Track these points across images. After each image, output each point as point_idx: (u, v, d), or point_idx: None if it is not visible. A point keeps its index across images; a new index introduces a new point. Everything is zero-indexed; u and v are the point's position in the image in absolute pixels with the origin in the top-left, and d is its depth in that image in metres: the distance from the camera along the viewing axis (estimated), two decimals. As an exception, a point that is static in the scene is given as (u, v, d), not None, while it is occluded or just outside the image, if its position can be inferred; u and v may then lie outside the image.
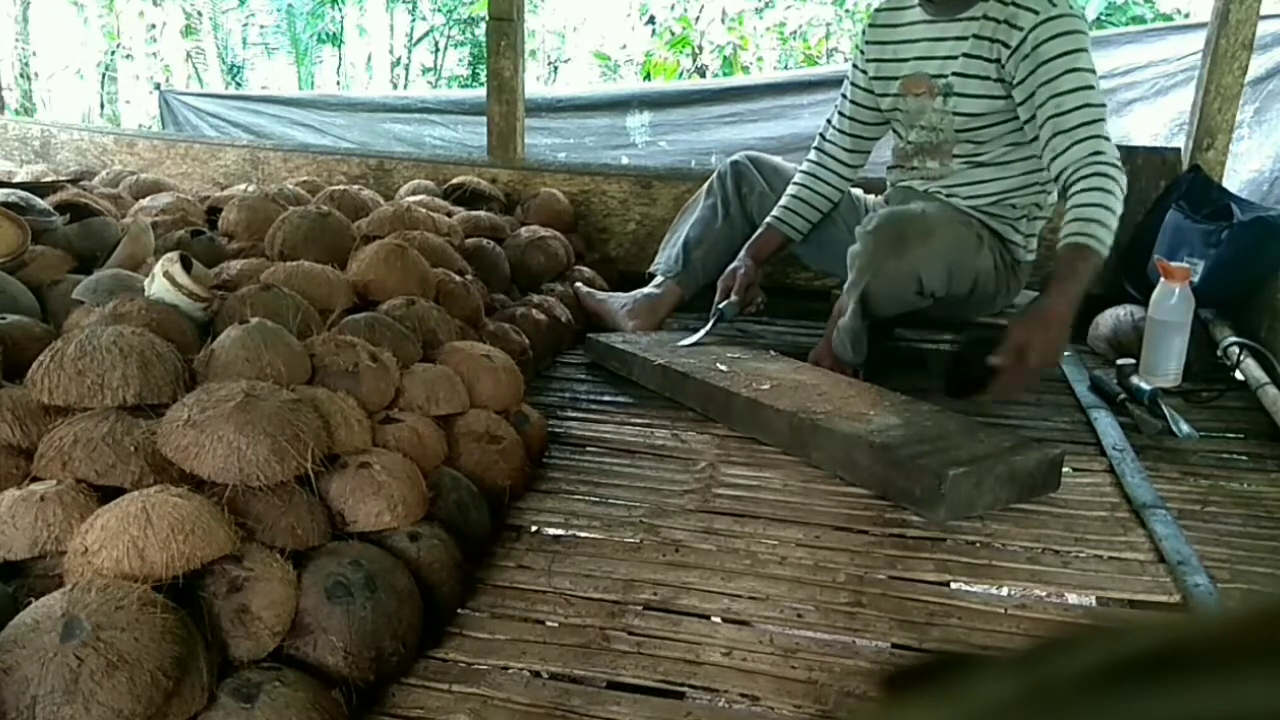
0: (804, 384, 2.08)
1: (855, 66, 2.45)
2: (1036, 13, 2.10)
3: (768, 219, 2.52)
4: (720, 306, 2.43)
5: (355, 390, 1.54)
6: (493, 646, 1.34)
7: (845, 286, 2.22)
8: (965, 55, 2.20)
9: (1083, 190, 2.03)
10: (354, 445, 1.44)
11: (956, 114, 2.25)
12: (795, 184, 2.52)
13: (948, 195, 2.31)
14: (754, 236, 2.51)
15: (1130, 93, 3.74)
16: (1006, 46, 2.13)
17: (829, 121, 2.52)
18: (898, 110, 2.38)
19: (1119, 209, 2.04)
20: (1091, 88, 2.10)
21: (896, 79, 2.34)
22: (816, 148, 2.53)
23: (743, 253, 2.49)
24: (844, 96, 2.48)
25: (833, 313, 2.37)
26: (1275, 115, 3.38)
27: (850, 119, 2.47)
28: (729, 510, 1.71)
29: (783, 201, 2.51)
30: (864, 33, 2.45)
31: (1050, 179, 2.19)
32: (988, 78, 2.18)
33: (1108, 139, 2.08)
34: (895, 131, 2.44)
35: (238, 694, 1.09)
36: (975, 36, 2.18)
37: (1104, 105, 2.11)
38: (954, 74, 2.22)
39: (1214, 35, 2.63)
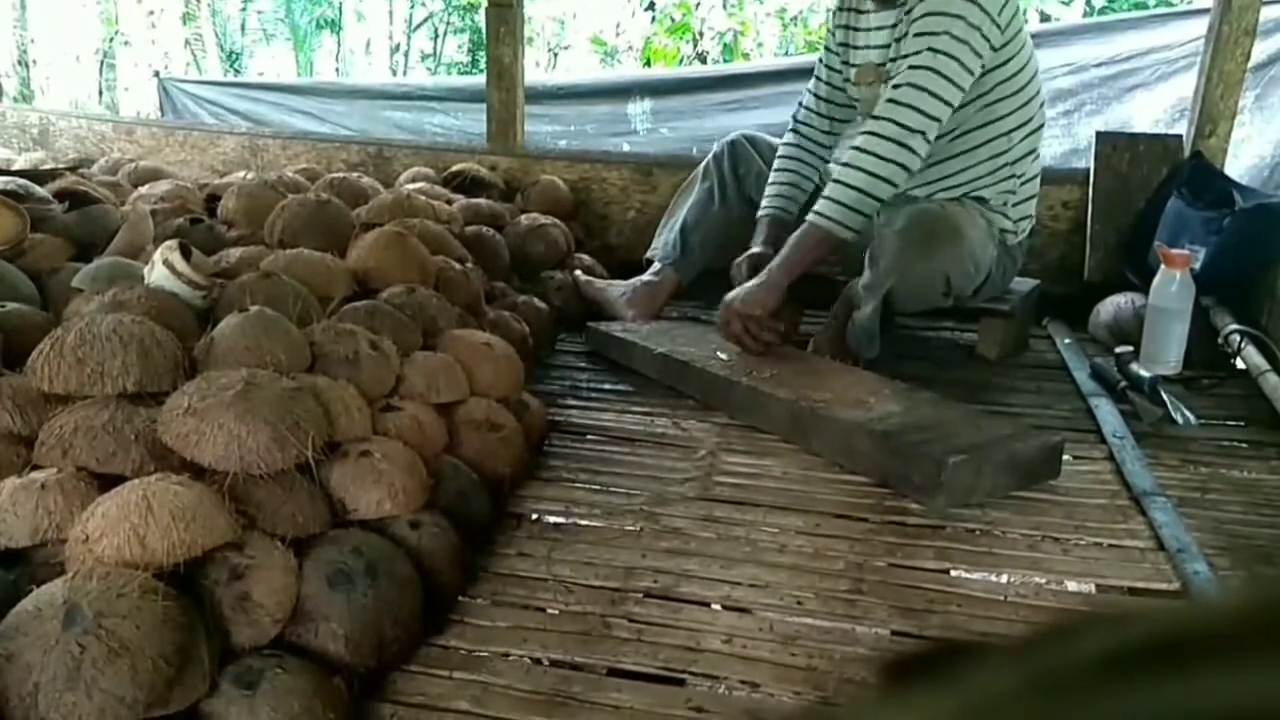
0: (804, 372, 2.08)
1: (827, 48, 2.41)
2: None
3: (761, 212, 2.42)
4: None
5: (355, 378, 1.54)
6: (494, 634, 1.34)
7: (863, 283, 2.14)
8: (896, 42, 2.17)
9: (842, 164, 2.12)
10: (354, 433, 1.44)
11: None
12: (777, 170, 2.45)
13: (911, 192, 2.23)
14: (756, 234, 2.40)
15: (1132, 79, 3.72)
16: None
17: (802, 104, 2.48)
18: (854, 100, 2.36)
19: (865, 182, 2.06)
20: (931, 69, 2.04)
21: (854, 66, 2.32)
22: (793, 130, 2.48)
23: (754, 249, 2.36)
24: (817, 78, 2.44)
25: (836, 301, 2.36)
26: (1277, 101, 3.36)
27: (825, 100, 2.43)
28: (729, 498, 1.71)
29: (770, 191, 2.44)
30: (832, 15, 2.41)
31: (1016, 160, 2.18)
32: None
33: (913, 120, 2.03)
34: (858, 121, 2.37)
35: (239, 681, 1.10)
36: (900, 23, 2.15)
37: (947, 84, 2.05)
38: (890, 61, 2.18)
39: (1216, 21, 2.62)
